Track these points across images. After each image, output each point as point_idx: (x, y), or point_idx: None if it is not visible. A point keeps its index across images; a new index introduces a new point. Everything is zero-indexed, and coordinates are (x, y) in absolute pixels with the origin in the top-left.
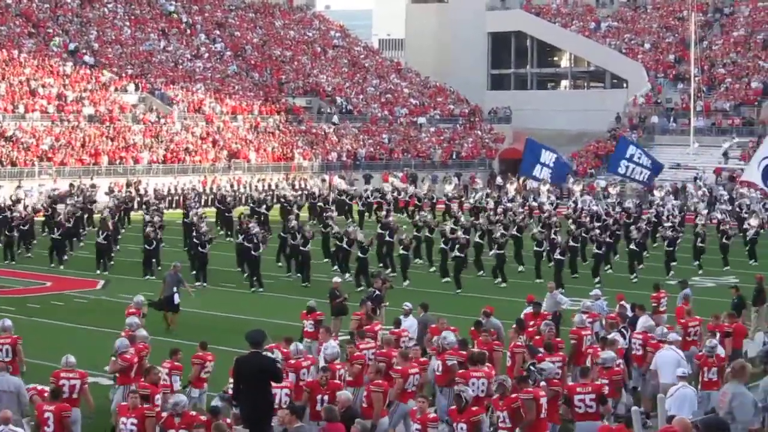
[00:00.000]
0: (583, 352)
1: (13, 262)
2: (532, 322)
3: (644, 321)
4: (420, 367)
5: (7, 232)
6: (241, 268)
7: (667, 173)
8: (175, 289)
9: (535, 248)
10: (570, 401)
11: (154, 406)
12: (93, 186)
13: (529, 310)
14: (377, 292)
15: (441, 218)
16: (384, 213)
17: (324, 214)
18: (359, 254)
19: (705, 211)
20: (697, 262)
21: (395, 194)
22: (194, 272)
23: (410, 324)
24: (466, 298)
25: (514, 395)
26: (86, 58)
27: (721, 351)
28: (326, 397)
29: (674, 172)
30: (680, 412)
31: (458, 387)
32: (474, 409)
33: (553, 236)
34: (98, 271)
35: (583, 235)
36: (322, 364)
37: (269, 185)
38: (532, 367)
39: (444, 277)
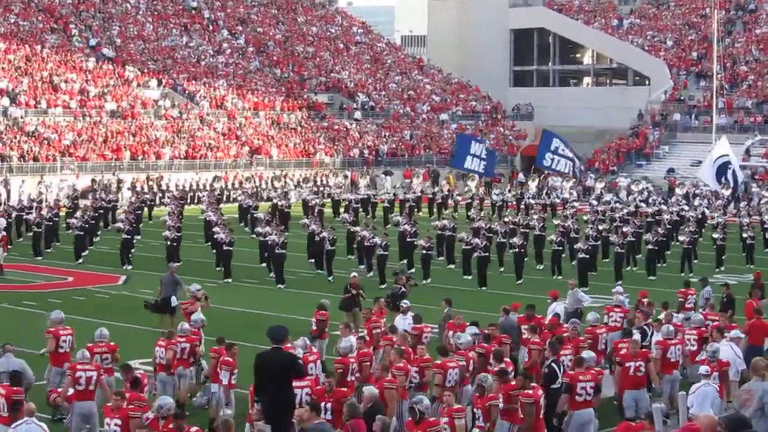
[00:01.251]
0: (599, 351)
1: (39, 258)
2: (525, 326)
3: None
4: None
5: (35, 228)
6: (267, 265)
7: (689, 171)
8: (170, 291)
9: (555, 247)
10: (572, 389)
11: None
12: (119, 181)
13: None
14: (403, 289)
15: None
16: (407, 211)
17: (346, 213)
18: (379, 251)
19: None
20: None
21: (419, 192)
22: (219, 268)
23: (408, 323)
24: (490, 294)
25: (491, 395)
26: (109, 53)
27: (725, 355)
28: (330, 405)
29: (696, 170)
30: (702, 409)
31: (413, 399)
32: (431, 420)
33: (576, 234)
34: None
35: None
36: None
37: (287, 182)
38: (553, 365)
39: (466, 274)
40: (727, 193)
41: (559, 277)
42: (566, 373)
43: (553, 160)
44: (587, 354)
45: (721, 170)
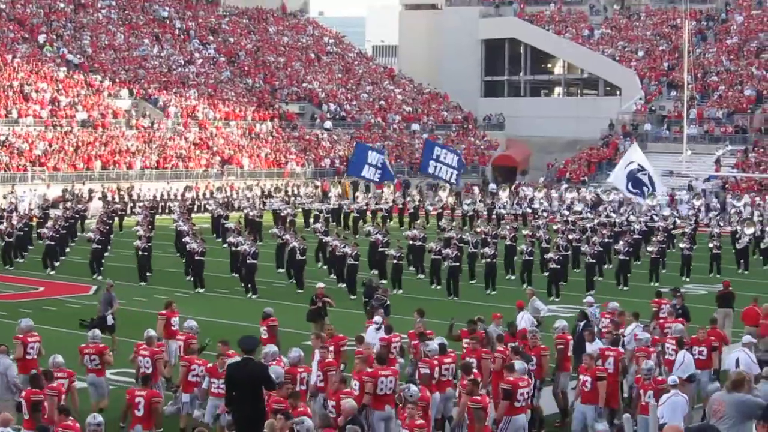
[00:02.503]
0: (568, 357)
1: (11, 268)
2: (466, 340)
3: (633, 328)
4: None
5: (6, 238)
6: (239, 275)
7: (661, 181)
8: (107, 309)
9: (525, 257)
10: (513, 395)
11: None
12: (90, 191)
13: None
14: (388, 301)
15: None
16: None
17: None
18: (350, 261)
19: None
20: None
21: (389, 202)
22: (189, 278)
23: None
24: (460, 304)
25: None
26: (79, 62)
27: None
28: None
29: (666, 180)
30: (672, 419)
31: (401, 387)
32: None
33: (577, 243)
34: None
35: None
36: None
37: (261, 192)
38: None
39: (433, 284)
40: (644, 201)
41: (530, 287)
42: (506, 379)
43: (436, 167)
44: (519, 364)
45: (631, 177)
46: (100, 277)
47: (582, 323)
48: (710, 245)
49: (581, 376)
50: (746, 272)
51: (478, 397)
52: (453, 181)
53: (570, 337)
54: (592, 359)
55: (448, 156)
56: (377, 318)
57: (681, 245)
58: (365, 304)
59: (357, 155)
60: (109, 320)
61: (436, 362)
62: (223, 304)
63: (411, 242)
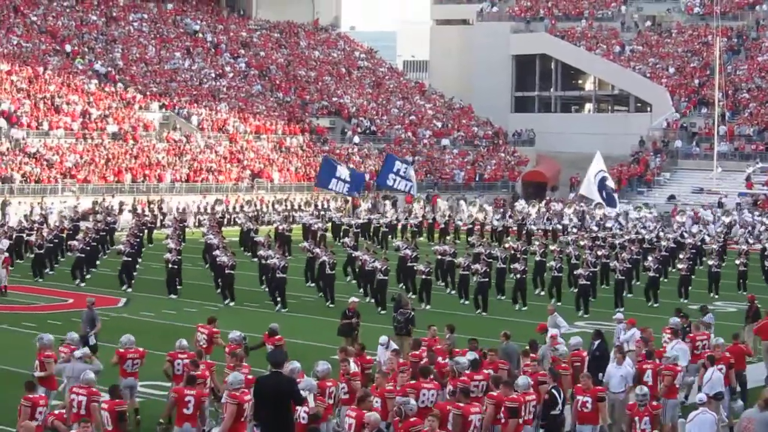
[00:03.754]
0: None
1: (40, 280)
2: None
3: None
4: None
5: (37, 250)
6: (268, 288)
7: (690, 197)
8: (89, 329)
9: (555, 273)
10: (519, 412)
11: None
12: (121, 204)
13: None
14: (412, 313)
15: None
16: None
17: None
18: (379, 276)
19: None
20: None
21: (420, 217)
22: (219, 291)
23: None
24: (489, 319)
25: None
26: (110, 75)
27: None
28: None
29: (697, 197)
30: None
31: (399, 400)
32: (413, 420)
33: (606, 259)
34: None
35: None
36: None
37: (291, 206)
38: (554, 391)
39: (462, 299)
40: (608, 211)
41: (558, 303)
42: (510, 397)
43: (395, 180)
44: (523, 379)
45: (602, 186)
46: (129, 290)
47: (597, 342)
48: (737, 262)
49: (579, 397)
50: None
51: (461, 404)
52: (412, 192)
53: (585, 354)
54: (590, 379)
55: (408, 170)
56: (382, 338)
57: (710, 262)
58: (393, 319)
59: (324, 169)
60: (91, 340)
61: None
62: (252, 317)
63: (440, 257)
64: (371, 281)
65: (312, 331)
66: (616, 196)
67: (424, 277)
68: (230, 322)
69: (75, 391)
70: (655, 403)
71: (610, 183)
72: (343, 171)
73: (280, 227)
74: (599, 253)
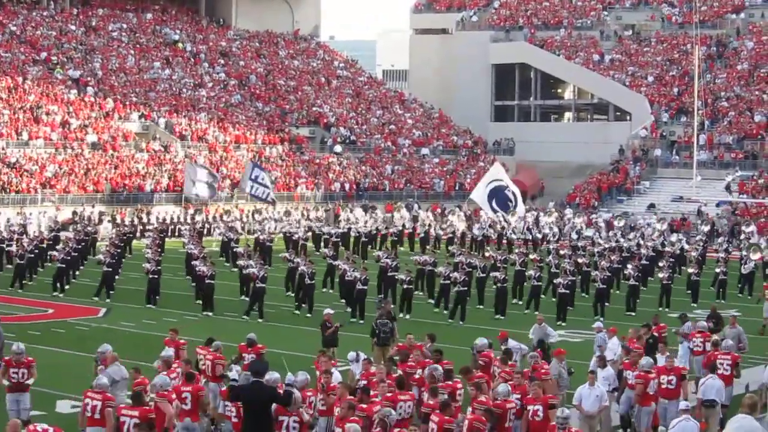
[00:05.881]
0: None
1: (20, 290)
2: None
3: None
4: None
5: (17, 260)
6: (251, 300)
7: (670, 206)
8: None
9: (534, 282)
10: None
11: None
12: (101, 214)
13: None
14: (390, 325)
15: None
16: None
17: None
18: (359, 286)
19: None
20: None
21: (400, 226)
22: (198, 301)
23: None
24: (468, 329)
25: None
26: (90, 85)
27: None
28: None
29: (677, 205)
30: None
31: (383, 412)
32: (396, 431)
33: (586, 268)
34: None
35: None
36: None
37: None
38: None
39: (437, 307)
40: (513, 218)
41: (536, 313)
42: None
43: (252, 186)
44: (503, 386)
45: (495, 194)
46: (107, 300)
47: None
48: (717, 270)
49: (530, 406)
50: (749, 297)
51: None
52: (270, 199)
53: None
54: (540, 387)
55: (265, 178)
56: (350, 354)
57: (690, 270)
58: (373, 327)
59: (186, 174)
60: None
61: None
62: (232, 327)
63: (420, 267)
64: (351, 291)
65: (291, 342)
66: (518, 199)
67: (405, 286)
68: (209, 332)
69: (90, 395)
70: (574, 429)
71: (510, 191)
72: (202, 173)
73: (261, 237)
74: (579, 261)
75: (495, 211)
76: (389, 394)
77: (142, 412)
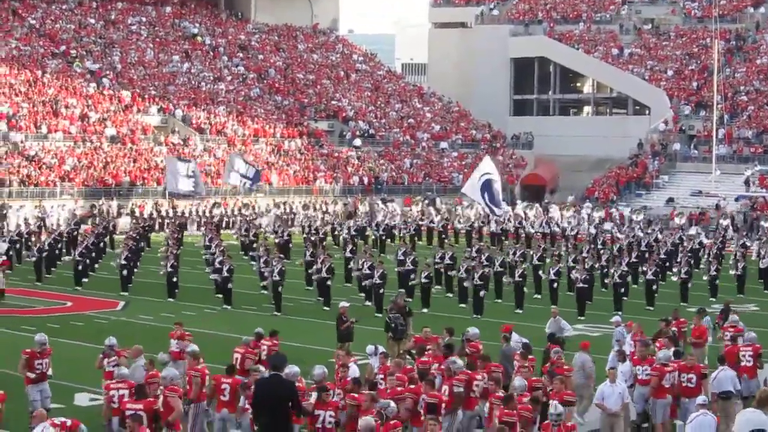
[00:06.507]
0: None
1: (38, 283)
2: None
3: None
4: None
5: (36, 253)
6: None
7: (689, 200)
8: None
9: (552, 276)
10: None
11: None
12: (119, 207)
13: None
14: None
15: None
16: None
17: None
18: (376, 280)
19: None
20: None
21: (417, 220)
22: (217, 295)
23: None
24: (486, 322)
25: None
26: (109, 79)
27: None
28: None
29: (696, 200)
30: None
31: (380, 404)
32: (393, 422)
33: (605, 262)
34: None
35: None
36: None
37: (290, 209)
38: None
39: (462, 303)
40: (498, 211)
41: (554, 307)
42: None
43: (232, 175)
44: (519, 380)
45: (486, 188)
46: (126, 294)
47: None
48: (736, 265)
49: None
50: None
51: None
52: (246, 188)
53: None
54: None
55: (249, 169)
56: (369, 348)
57: (708, 266)
58: (386, 322)
59: (169, 170)
60: None
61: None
62: (250, 320)
63: (439, 261)
64: (366, 284)
65: (310, 335)
66: (500, 197)
67: (423, 280)
68: (227, 325)
69: (113, 386)
70: (569, 423)
71: (497, 186)
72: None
73: (279, 231)
74: (601, 255)
75: (488, 205)
76: (399, 388)
77: (146, 404)
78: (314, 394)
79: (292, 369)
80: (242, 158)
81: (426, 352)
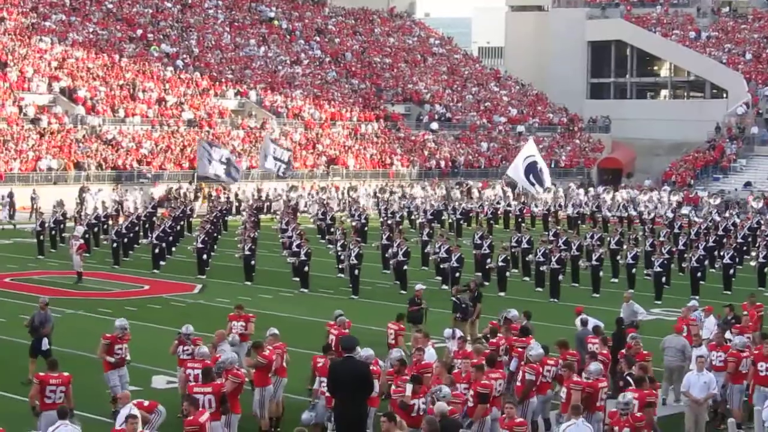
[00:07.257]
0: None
1: (116, 267)
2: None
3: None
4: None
5: (114, 237)
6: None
7: (767, 184)
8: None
9: (629, 261)
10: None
11: None
12: (196, 191)
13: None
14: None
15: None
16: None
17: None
18: (453, 264)
19: None
20: None
21: (494, 204)
22: (295, 278)
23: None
24: (562, 306)
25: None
26: (185, 62)
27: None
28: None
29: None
30: None
31: (434, 388)
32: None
33: (682, 247)
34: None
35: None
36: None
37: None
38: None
39: (538, 287)
40: (541, 192)
41: (628, 291)
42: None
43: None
44: (595, 365)
45: (530, 170)
46: (203, 277)
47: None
48: None
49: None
50: None
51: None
52: (281, 172)
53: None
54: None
55: (283, 153)
56: (447, 331)
57: None
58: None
59: (199, 156)
60: (45, 344)
61: (539, 367)
62: (327, 304)
63: (515, 244)
64: (445, 268)
65: (385, 318)
66: (545, 175)
67: (499, 264)
68: (304, 309)
69: (190, 365)
70: (638, 414)
71: (542, 165)
72: (218, 154)
73: (356, 215)
74: (678, 239)
75: (532, 184)
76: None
77: (215, 387)
78: (409, 386)
79: (367, 352)
80: (275, 142)
81: (497, 335)
